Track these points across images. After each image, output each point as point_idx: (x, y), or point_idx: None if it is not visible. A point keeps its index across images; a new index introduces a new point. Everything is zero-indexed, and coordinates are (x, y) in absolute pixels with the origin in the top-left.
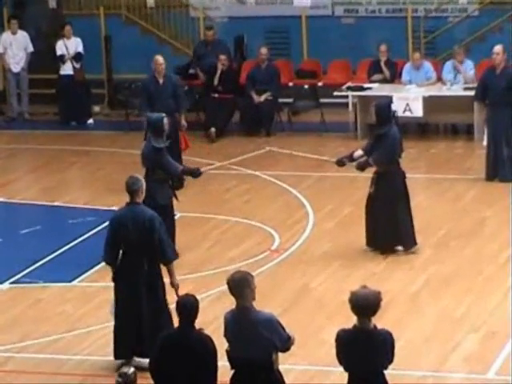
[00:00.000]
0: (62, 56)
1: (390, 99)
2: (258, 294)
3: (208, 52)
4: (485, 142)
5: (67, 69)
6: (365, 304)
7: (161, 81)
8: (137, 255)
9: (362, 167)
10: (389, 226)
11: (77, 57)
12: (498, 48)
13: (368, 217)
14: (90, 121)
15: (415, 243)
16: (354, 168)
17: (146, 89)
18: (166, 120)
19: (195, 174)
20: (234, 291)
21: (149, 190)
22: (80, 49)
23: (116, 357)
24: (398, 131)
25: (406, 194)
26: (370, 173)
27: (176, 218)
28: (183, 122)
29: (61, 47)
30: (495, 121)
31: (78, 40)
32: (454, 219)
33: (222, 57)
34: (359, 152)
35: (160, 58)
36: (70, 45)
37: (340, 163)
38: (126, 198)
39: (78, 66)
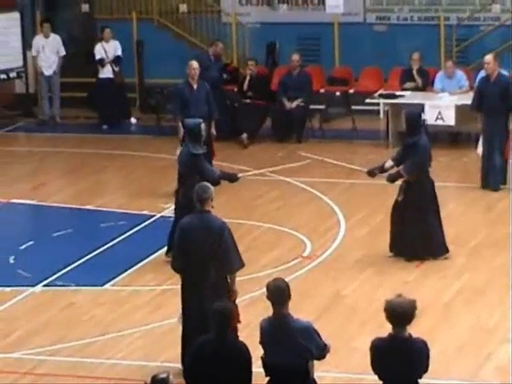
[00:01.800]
0: (102, 60)
1: (420, 108)
2: (290, 301)
3: (212, 65)
4: (479, 151)
5: (107, 72)
6: (400, 313)
7: (195, 86)
8: (204, 264)
9: (393, 179)
10: (420, 236)
11: (116, 60)
12: (488, 57)
13: (395, 224)
14: (133, 120)
15: (447, 251)
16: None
17: (180, 94)
18: (203, 126)
19: (233, 179)
20: (273, 298)
21: (186, 196)
22: (119, 52)
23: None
24: (428, 140)
25: (436, 202)
26: (399, 180)
27: None
28: (213, 131)
29: (99, 51)
30: (490, 129)
31: (117, 43)
32: (486, 228)
33: (250, 62)
34: (389, 162)
35: (194, 63)
36: (108, 48)
37: (371, 174)
38: (158, 202)
39: (117, 69)
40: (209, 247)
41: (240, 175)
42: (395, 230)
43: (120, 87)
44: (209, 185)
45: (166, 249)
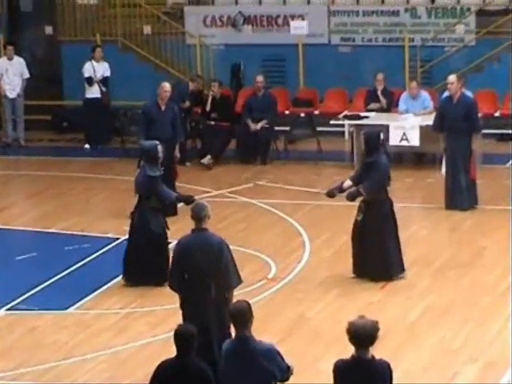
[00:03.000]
0: (90, 78)
1: (379, 128)
2: (254, 323)
3: (187, 99)
4: (443, 172)
5: (95, 92)
6: (363, 334)
7: (163, 107)
8: (204, 281)
9: (352, 197)
10: (378, 255)
11: (104, 80)
12: (451, 78)
13: (355, 245)
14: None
15: (403, 271)
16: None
17: (147, 113)
18: (160, 148)
19: (189, 201)
20: (236, 320)
21: (142, 218)
22: (108, 73)
23: None
24: (387, 160)
25: (394, 222)
26: (358, 200)
27: (171, 246)
28: (176, 153)
29: (88, 69)
30: (453, 150)
31: (106, 65)
32: (451, 249)
33: (213, 83)
34: (348, 182)
35: (167, 85)
36: (98, 68)
37: (330, 194)
38: (122, 225)
39: (104, 89)
40: (208, 264)
41: (196, 197)
42: (356, 250)
43: (107, 108)
44: (206, 203)
45: (122, 272)
